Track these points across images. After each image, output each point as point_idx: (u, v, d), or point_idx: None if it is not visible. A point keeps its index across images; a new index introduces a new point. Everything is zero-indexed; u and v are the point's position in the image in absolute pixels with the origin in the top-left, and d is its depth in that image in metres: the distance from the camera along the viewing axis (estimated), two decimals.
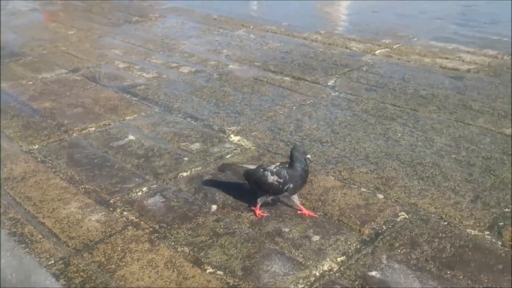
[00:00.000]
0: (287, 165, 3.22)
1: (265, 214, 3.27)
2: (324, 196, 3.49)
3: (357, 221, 3.20)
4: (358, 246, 2.97)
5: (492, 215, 3.26)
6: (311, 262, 2.83)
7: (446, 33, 7.99)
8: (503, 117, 4.77)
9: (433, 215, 3.27)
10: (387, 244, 2.98)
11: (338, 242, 3.00)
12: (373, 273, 2.74)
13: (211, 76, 6.11)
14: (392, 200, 3.46)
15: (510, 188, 3.55)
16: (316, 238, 3.04)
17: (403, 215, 3.27)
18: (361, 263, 2.82)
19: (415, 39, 7.65)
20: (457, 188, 3.59)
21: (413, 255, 2.88)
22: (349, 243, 2.99)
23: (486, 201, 3.42)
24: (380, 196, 3.51)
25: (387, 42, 7.53)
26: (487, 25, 8.53)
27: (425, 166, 3.90)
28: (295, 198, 3.27)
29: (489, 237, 3.04)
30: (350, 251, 2.93)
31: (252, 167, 3.41)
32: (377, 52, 7.07)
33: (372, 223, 3.19)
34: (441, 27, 8.49)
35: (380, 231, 3.11)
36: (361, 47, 7.29)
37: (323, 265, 2.81)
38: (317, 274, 2.75)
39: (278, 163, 3.31)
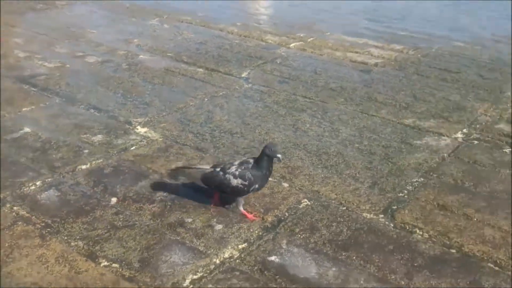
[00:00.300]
0: (248, 164, 3.12)
1: (257, 218, 3.18)
2: None
3: (261, 209, 3.31)
4: (260, 233, 3.09)
5: (387, 199, 3.52)
6: (212, 250, 2.90)
7: (358, 28, 8.41)
8: (404, 109, 5.14)
9: (333, 201, 3.47)
10: (288, 230, 3.13)
11: (241, 230, 3.09)
12: (273, 258, 2.86)
13: (119, 66, 5.99)
14: (297, 188, 3.62)
15: (405, 175, 3.85)
16: (219, 227, 3.11)
17: (306, 202, 3.44)
18: (262, 249, 2.94)
19: (329, 33, 7.98)
20: (358, 175, 3.83)
21: (312, 239, 3.04)
22: (251, 230, 3.10)
23: (383, 187, 3.68)
24: (285, 184, 3.66)
25: (301, 35, 7.80)
26: (396, 21, 9.08)
27: (330, 155, 4.12)
28: (240, 205, 3.21)
29: (383, 220, 3.29)
30: (252, 238, 3.03)
31: (206, 167, 3.30)
32: (292, 45, 7.31)
33: (276, 210, 3.32)
34: (354, 22, 8.91)
35: (282, 218, 3.25)
36: (276, 40, 7.49)
37: (224, 252, 2.89)
38: (218, 261, 2.82)
39: (236, 163, 3.19)
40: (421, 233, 3.17)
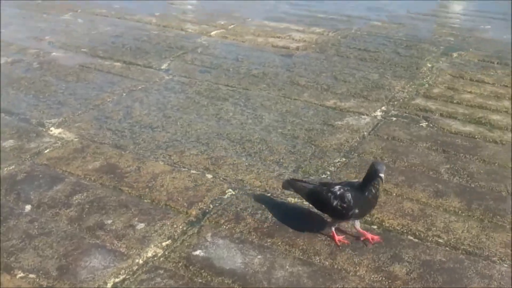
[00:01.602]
0: (352, 186, 2.86)
1: (346, 242, 2.94)
2: (152, 183, 3.49)
3: (185, 204, 3.27)
4: (185, 228, 3.04)
5: None
6: (134, 251, 2.83)
7: (278, 13, 8.48)
8: (325, 90, 5.25)
9: (258, 189, 3.48)
10: (213, 222, 3.10)
11: (164, 227, 3.04)
12: (197, 252, 2.83)
13: (30, 66, 5.67)
14: (221, 178, 3.60)
15: (327, 156, 3.94)
16: (141, 226, 3.03)
17: (230, 192, 3.43)
18: (186, 244, 2.90)
19: (250, 19, 7.99)
20: (281, 160, 3.87)
21: (237, 229, 3.04)
22: (175, 226, 3.05)
23: (307, 170, 3.74)
24: (209, 176, 3.63)
25: (222, 23, 7.75)
26: (315, 4, 9.23)
27: (253, 143, 4.13)
28: (356, 224, 2.96)
29: (307, 203, 3.34)
30: (176, 234, 2.98)
31: (316, 183, 3.09)
32: (213, 33, 7.24)
33: (200, 203, 3.29)
34: (274, 7, 8.97)
35: (207, 210, 3.22)
36: (196, 29, 7.39)
37: (147, 252, 2.83)
38: (140, 262, 2.75)
39: (344, 183, 2.95)
40: None
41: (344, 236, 2.99)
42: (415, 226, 3.11)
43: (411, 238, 3.01)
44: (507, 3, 9.53)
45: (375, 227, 3.11)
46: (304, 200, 3.31)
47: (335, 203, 2.82)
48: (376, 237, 2.96)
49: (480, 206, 3.28)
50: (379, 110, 4.82)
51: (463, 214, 3.22)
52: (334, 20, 8.07)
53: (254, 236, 2.99)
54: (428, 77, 5.62)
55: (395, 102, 4.98)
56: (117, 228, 3.01)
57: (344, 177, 3.62)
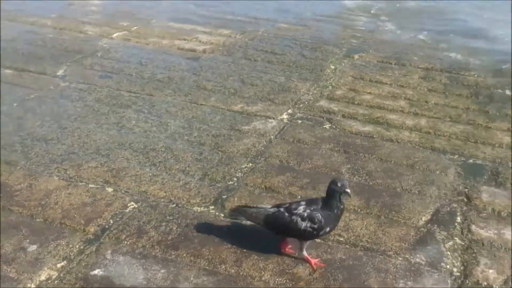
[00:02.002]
0: (316, 204, 2.83)
1: (323, 265, 2.90)
2: (45, 200, 3.37)
3: (82, 221, 3.19)
4: (82, 247, 2.97)
5: (218, 189, 3.64)
6: (26, 275, 2.72)
7: (184, 14, 8.46)
8: (232, 95, 5.34)
9: (162, 200, 3.48)
10: (113, 238, 3.06)
11: (59, 247, 2.94)
12: (96, 271, 2.78)
13: None
14: (122, 191, 3.55)
15: (234, 162, 4.02)
16: (33, 248, 2.92)
17: (133, 205, 3.40)
18: (83, 264, 2.83)
19: (154, 20, 7.91)
20: (188, 168, 3.89)
21: (139, 244, 3.02)
22: (71, 246, 2.97)
23: (213, 177, 3.80)
24: (110, 189, 3.56)
25: (125, 24, 7.60)
26: (223, 5, 9.33)
27: (158, 152, 4.11)
28: (304, 247, 2.93)
29: (214, 211, 3.40)
30: (72, 254, 2.90)
31: (267, 207, 3.01)
32: (115, 35, 7.09)
33: (99, 219, 3.22)
34: (181, 7, 8.95)
35: (106, 226, 3.17)
36: (97, 31, 7.19)
37: (39, 275, 2.73)
38: (33, 286, 2.66)
39: (303, 202, 2.91)
40: None
41: (318, 259, 2.94)
42: None
43: (315, 239, 3.17)
44: (403, 2, 10.29)
45: None
46: (209, 209, 3.38)
47: (303, 225, 2.77)
48: (318, 263, 2.92)
49: (377, 203, 3.52)
50: (286, 113, 4.99)
51: (362, 212, 3.44)
52: (241, 22, 8.21)
53: (158, 250, 2.99)
54: (332, 79, 5.90)
55: (301, 105, 5.18)
56: (6, 251, 2.87)
57: (251, 182, 3.73)
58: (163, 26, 7.63)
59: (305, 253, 2.91)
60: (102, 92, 5.18)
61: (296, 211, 2.82)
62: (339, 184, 2.74)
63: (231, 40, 7.23)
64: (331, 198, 2.78)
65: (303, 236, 2.84)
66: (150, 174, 3.78)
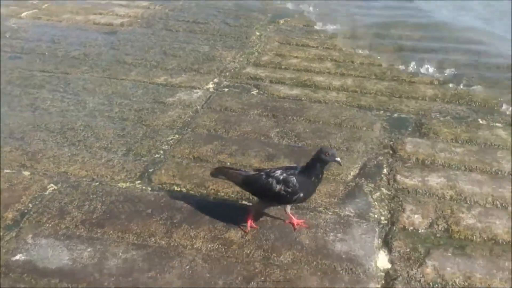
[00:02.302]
0: (295, 170, 2.88)
1: (256, 227, 2.97)
2: None
3: None
4: (1, 234, 2.90)
5: (143, 164, 3.63)
6: None
7: None
8: (154, 67, 5.28)
9: (84, 179, 3.43)
10: (33, 222, 2.99)
11: None
12: (17, 256, 2.71)
13: None
14: (40, 174, 3.46)
15: (160, 135, 4.01)
16: None
17: (52, 186, 3.33)
18: (4, 250, 2.76)
19: None
20: (110, 145, 3.84)
21: (62, 225, 2.97)
22: None
23: (138, 152, 3.77)
24: (26, 173, 3.46)
25: (34, 2, 7.28)
26: None
27: (77, 131, 4.02)
28: (287, 207, 2.98)
29: (140, 185, 3.39)
30: None
31: (250, 172, 3.05)
32: (23, 14, 6.79)
33: (17, 204, 3.13)
34: None
35: (26, 211, 3.08)
36: (3, 11, 6.84)
37: None
38: None
39: (283, 167, 2.98)
40: (179, 189, 3.37)
41: (303, 220, 3.03)
42: None
43: (245, 203, 3.24)
44: None
45: (211, 198, 3.29)
46: (136, 184, 3.37)
47: (277, 187, 2.84)
48: (301, 222, 3.03)
49: None
50: (211, 82, 5.00)
51: None
52: None
53: (82, 229, 2.96)
54: (257, 46, 5.96)
55: (227, 73, 5.21)
56: None
57: (178, 154, 3.74)
58: (76, 2, 7.36)
59: (288, 211, 3.00)
60: (12, 74, 4.97)
61: (273, 174, 2.89)
62: (329, 153, 2.80)
63: (150, 11, 7.10)
64: (313, 166, 2.83)
65: (277, 199, 2.90)
66: (70, 154, 3.70)
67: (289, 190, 2.83)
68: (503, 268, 2.67)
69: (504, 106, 4.54)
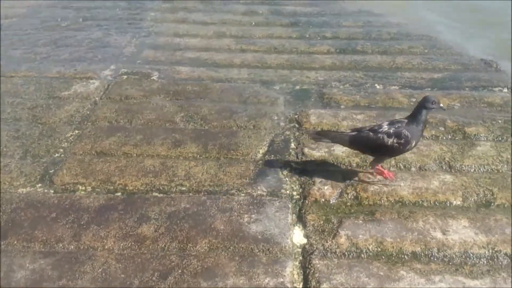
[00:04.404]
0: (399, 123, 3.03)
1: (392, 176, 3.15)
2: None
3: None
4: None
5: (43, 165, 3.38)
6: None
7: None
8: (45, 59, 4.93)
9: None
10: None
11: None
12: None
13: None
14: None
15: (58, 132, 3.76)
16: None
17: None
18: None
19: None
20: (5, 149, 3.53)
21: None
22: None
23: (36, 153, 3.51)
24: None
25: None
26: None
27: None
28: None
29: (41, 189, 3.16)
30: None
31: (350, 132, 3.20)
32: None
33: None
34: None
35: None
36: None
37: None
38: None
39: (385, 122, 3.08)
40: (83, 188, 3.18)
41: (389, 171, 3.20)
42: (158, 181, 3.23)
43: (156, 194, 3.13)
44: None
45: (119, 194, 3.14)
46: (37, 187, 3.15)
47: (390, 141, 2.97)
48: (390, 175, 3.19)
49: (215, 146, 3.58)
50: (108, 70, 4.76)
51: (202, 157, 3.48)
52: None
53: None
54: (153, 27, 5.77)
55: (124, 59, 4.99)
56: None
57: (79, 150, 3.53)
58: None
59: (379, 165, 3.17)
60: None
61: (381, 130, 3.03)
62: (435, 101, 2.98)
63: (37, 1, 6.62)
64: (420, 114, 2.99)
65: (390, 152, 3.05)
66: None
67: (402, 141, 2.98)
68: (411, 229, 2.80)
69: (399, 73, 4.74)
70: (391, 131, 3.00)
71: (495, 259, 2.60)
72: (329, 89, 4.37)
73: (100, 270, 2.57)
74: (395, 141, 2.98)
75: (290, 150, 3.55)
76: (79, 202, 3.04)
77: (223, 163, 3.40)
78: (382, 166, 3.22)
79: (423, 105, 2.99)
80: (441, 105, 3.07)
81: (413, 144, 3.04)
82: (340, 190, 3.12)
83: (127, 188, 3.19)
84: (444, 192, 3.06)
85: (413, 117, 3.03)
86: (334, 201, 3.05)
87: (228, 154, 3.50)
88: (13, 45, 5.22)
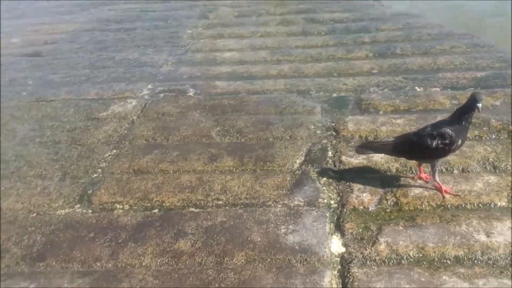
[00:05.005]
0: (441, 124, 3.01)
1: (455, 194, 3.03)
2: None
3: None
4: None
5: (81, 186, 3.50)
6: None
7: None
8: (84, 82, 5.14)
9: (20, 212, 3.28)
10: None
11: None
12: None
13: None
14: None
15: (96, 152, 3.90)
16: None
17: None
18: None
19: None
20: (44, 172, 3.69)
21: (2, 264, 2.84)
22: None
23: (75, 174, 3.64)
24: None
25: None
26: None
27: (8, 162, 3.85)
28: (436, 175, 3.06)
29: (80, 209, 3.27)
30: None
31: (390, 139, 3.30)
32: None
33: None
34: None
35: None
36: None
37: None
38: None
39: (428, 126, 3.06)
40: (121, 206, 3.26)
41: (451, 187, 3.09)
42: (195, 196, 3.28)
43: (193, 209, 3.18)
44: None
45: (156, 210, 3.21)
46: (75, 208, 3.26)
47: (434, 143, 2.94)
48: (449, 189, 3.07)
49: (251, 158, 3.60)
50: (145, 89, 4.90)
51: (238, 170, 3.51)
52: (84, 4, 7.89)
53: (24, 265, 2.82)
54: (190, 44, 5.90)
55: (161, 77, 5.13)
56: None
57: (117, 170, 3.64)
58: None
59: (437, 179, 3.06)
60: None
61: (424, 133, 3.01)
62: (479, 98, 2.90)
63: (75, 25, 6.92)
64: (464, 113, 2.94)
65: (436, 153, 2.98)
66: (2, 189, 3.54)
67: (447, 141, 2.93)
68: (454, 233, 2.72)
69: (441, 74, 4.65)
70: (435, 132, 2.96)
71: None
72: (367, 95, 4.33)
73: (138, 287, 2.63)
74: (439, 142, 2.94)
75: (328, 159, 3.53)
76: (117, 221, 3.13)
77: (260, 175, 3.42)
78: (424, 172, 3.16)
79: (471, 103, 2.91)
80: (479, 104, 2.90)
81: (459, 143, 2.98)
82: (379, 197, 3.08)
83: (164, 204, 3.26)
84: (488, 194, 2.97)
85: (457, 116, 2.97)
86: (373, 208, 3.01)
87: (264, 166, 3.52)
88: (53, 71, 5.46)
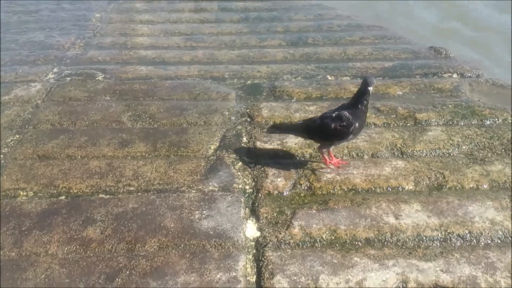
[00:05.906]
0: (343, 107, 3.12)
1: (345, 163, 3.27)
2: None
3: None
4: None
5: None
6: None
7: None
8: None
9: None
10: None
11: None
12: None
13: None
14: None
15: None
16: None
17: None
18: None
19: None
20: None
21: None
22: None
23: None
24: None
25: None
26: None
27: None
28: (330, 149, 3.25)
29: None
30: None
31: (300, 122, 3.45)
32: None
33: None
34: None
35: None
36: None
37: None
38: None
39: (333, 109, 3.17)
40: (25, 193, 3.07)
41: (339, 160, 3.29)
42: (105, 182, 3.14)
43: (102, 196, 3.04)
44: None
45: (62, 197, 3.03)
46: None
47: (333, 125, 3.04)
48: (337, 161, 3.28)
49: (164, 144, 3.51)
50: (51, 73, 4.63)
51: (150, 156, 3.40)
52: None
53: None
54: (99, 28, 5.65)
55: (67, 61, 4.87)
56: None
57: (20, 155, 3.40)
58: None
59: (326, 156, 3.25)
60: None
61: (326, 115, 3.15)
62: (368, 80, 3.02)
63: None
64: (359, 97, 3.06)
65: (337, 135, 3.09)
66: None
67: (344, 123, 3.04)
68: (365, 216, 2.81)
69: (350, 64, 4.79)
70: (334, 115, 3.10)
71: (448, 241, 2.64)
72: (281, 82, 4.38)
73: (43, 276, 2.48)
74: (337, 124, 3.06)
75: (242, 145, 3.52)
76: (21, 208, 2.93)
77: (173, 161, 3.34)
78: (333, 154, 3.26)
79: (364, 87, 3.03)
80: (369, 88, 3.03)
81: (357, 125, 3.07)
82: (293, 182, 3.12)
83: (71, 191, 3.09)
84: (396, 178, 3.10)
85: (354, 100, 3.10)
86: (287, 192, 3.04)
87: (178, 152, 3.45)
88: None
